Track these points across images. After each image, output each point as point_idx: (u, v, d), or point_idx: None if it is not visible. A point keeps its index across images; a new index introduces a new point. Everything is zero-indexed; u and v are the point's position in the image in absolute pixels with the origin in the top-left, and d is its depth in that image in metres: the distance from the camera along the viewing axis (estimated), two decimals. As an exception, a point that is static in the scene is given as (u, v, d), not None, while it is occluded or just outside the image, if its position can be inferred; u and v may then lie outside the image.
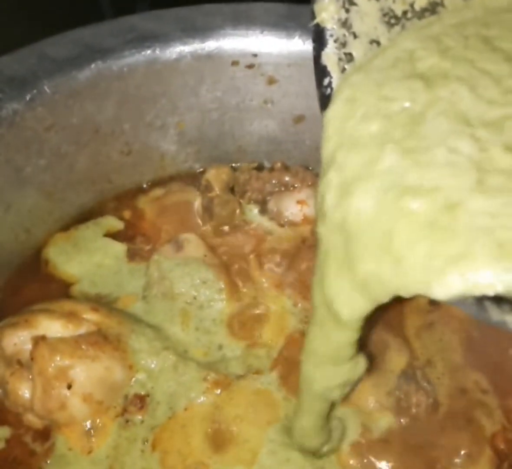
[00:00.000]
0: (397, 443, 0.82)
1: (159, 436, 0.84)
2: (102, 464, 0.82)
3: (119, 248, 1.03)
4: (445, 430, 0.82)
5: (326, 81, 0.60)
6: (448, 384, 0.87)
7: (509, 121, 0.51)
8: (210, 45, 1.00)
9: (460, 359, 0.89)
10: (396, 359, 0.87)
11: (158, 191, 1.11)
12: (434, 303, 0.95)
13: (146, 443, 0.83)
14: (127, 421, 0.84)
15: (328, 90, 0.60)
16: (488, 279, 0.40)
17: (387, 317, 0.92)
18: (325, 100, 0.60)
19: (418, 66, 0.58)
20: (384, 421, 0.84)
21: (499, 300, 0.41)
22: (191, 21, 1.00)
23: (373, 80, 0.57)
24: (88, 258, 1.02)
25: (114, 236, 1.05)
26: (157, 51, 0.99)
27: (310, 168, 1.10)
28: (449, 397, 0.85)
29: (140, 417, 0.84)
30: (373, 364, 0.86)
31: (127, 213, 1.08)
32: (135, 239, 1.05)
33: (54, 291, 0.98)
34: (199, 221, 1.05)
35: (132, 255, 1.03)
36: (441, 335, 0.91)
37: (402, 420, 0.83)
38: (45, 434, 0.84)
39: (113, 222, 1.07)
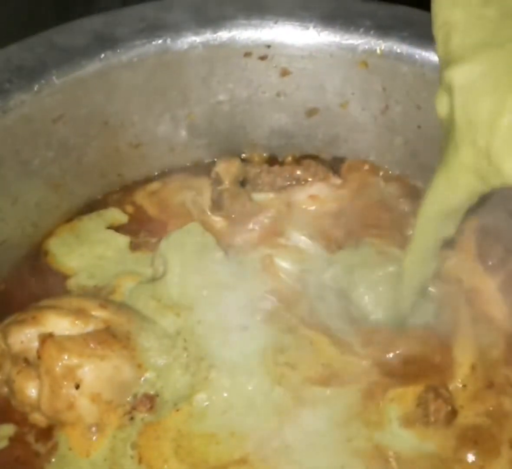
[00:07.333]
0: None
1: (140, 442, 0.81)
2: (101, 467, 0.80)
3: (122, 240, 1.01)
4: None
5: None
6: (473, 386, 0.85)
7: None
8: (223, 35, 0.98)
9: (499, 354, 0.87)
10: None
11: (154, 185, 1.08)
12: None
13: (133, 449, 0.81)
14: (131, 419, 0.82)
15: None
16: None
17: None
18: None
19: None
20: None
21: None
22: (203, 11, 0.98)
23: None
24: (90, 250, 0.99)
25: (118, 228, 1.03)
26: (168, 41, 0.96)
27: (323, 162, 1.08)
28: (472, 400, 0.83)
29: (146, 415, 0.82)
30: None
31: (129, 208, 1.06)
32: (139, 233, 1.03)
33: (52, 283, 0.96)
34: (208, 213, 1.03)
35: (136, 247, 1.00)
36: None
37: None
38: (48, 433, 0.83)
39: (117, 215, 1.05)
